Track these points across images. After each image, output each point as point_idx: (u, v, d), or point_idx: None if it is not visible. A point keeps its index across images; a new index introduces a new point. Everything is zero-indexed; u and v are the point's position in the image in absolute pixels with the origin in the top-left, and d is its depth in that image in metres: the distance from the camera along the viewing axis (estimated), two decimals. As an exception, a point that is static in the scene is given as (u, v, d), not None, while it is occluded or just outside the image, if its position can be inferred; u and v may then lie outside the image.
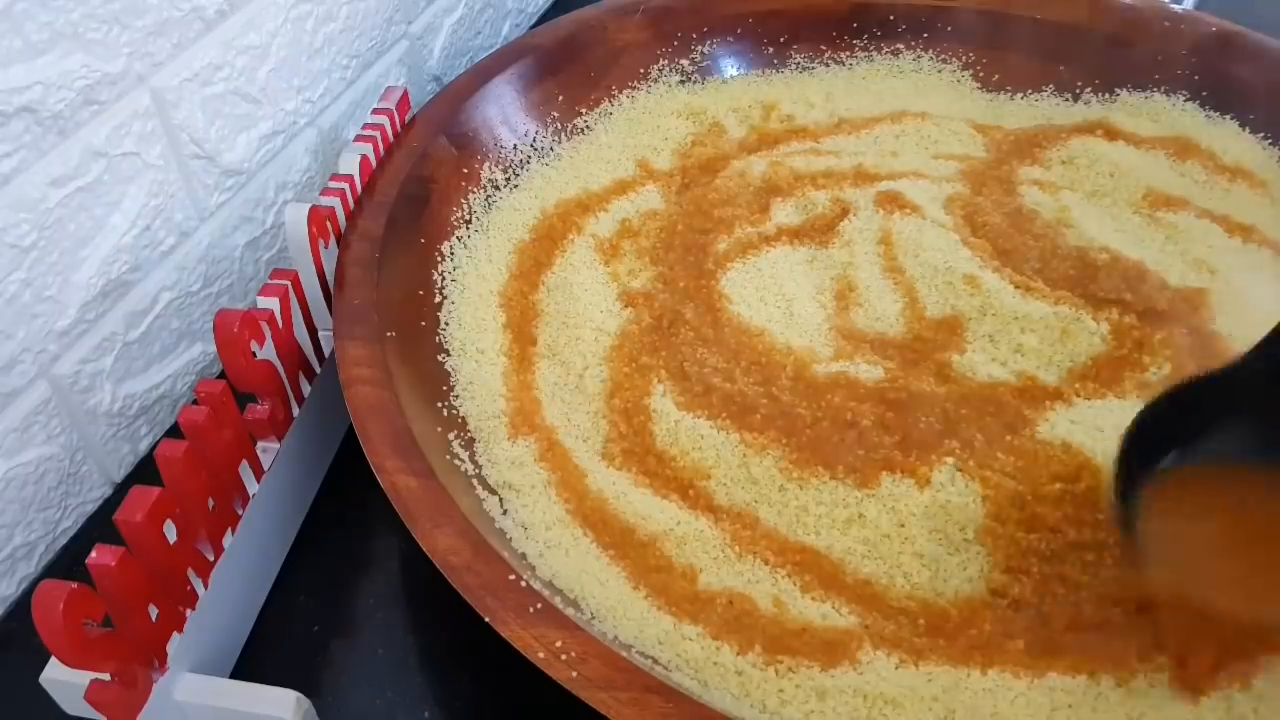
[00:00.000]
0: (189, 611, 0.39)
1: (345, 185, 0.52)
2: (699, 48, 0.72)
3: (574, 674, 0.33)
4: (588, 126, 0.66)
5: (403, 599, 0.45)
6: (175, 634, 0.38)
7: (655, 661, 0.38)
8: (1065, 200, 0.61)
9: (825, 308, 0.56)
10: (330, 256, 0.50)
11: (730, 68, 0.72)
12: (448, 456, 0.44)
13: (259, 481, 0.44)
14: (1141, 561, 0.39)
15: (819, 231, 0.60)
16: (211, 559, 0.40)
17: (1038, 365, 0.51)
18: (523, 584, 0.36)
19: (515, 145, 0.63)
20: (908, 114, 0.69)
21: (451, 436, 0.45)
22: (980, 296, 0.54)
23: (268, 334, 0.44)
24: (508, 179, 0.61)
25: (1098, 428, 0.47)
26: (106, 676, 0.34)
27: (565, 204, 0.61)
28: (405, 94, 0.58)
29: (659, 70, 0.70)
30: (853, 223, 0.60)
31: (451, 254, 0.55)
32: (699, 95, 0.71)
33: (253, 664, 0.43)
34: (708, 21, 0.72)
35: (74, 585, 0.32)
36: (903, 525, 0.44)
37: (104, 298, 0.48)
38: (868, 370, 0.51)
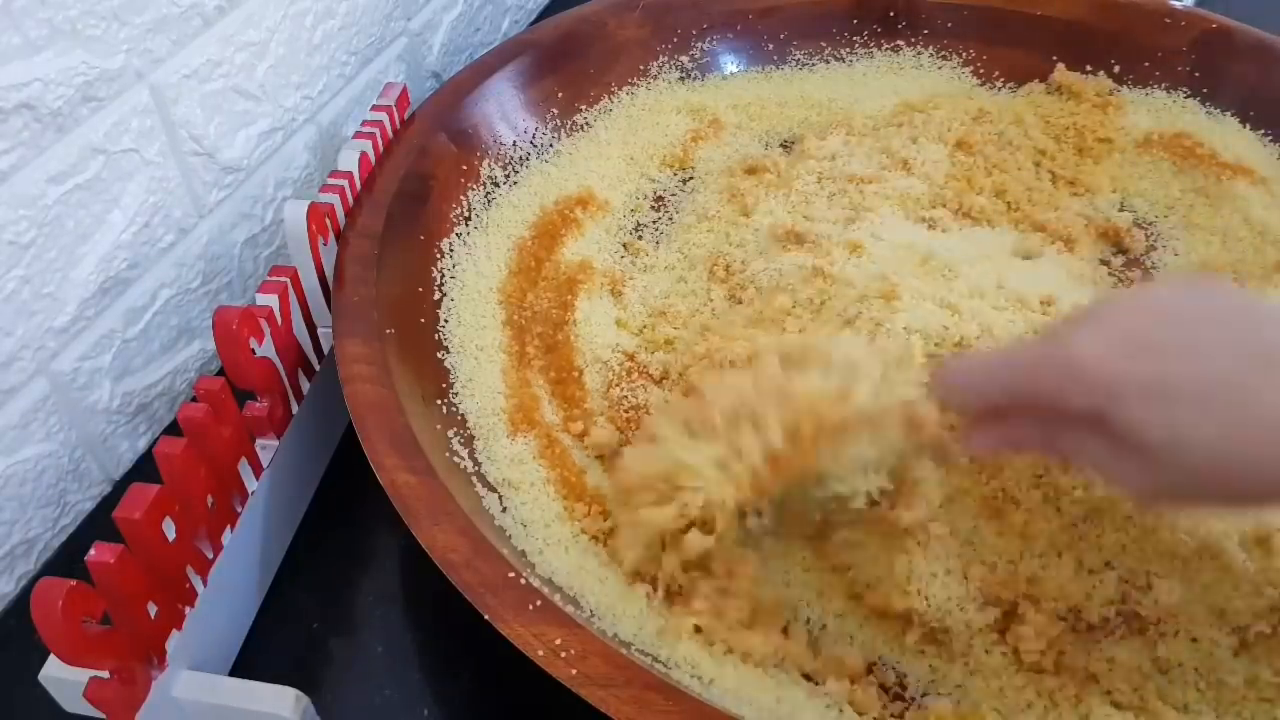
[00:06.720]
0: (188, 609, 0.39)
1: (344, 182, 0.52)
2: (699, 44, 0.72)
3: (574, 671, 0.33)
4: (587, 123, 0.66)
5: (402, 596, 0.45)
6: (174, 631, 0.38)
7: (655, 659, 0.38)
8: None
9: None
10: (329, 253, 0.50)
11: (730, 64, 0.72)
12: (447, 454, 0.44)
13: (258, 479, 0.44)
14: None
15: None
16: (210, 556, 0.40)
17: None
18: (522, 581, 0.36)
19: (515, 142, 0.62)
20: (908, 110, 0.69)
21: (451, 434, 0.45)
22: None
23: (267, 331, 0.44)
24: (507, 176, 0.61)
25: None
26: (105, 674, 0.34)
27: (565, 201, 0.61)
28: (404, 90, 0.58)
29: (659, 67, 0.70)
30: (852, 217, 0.59)
31: (451, 251, 0.55)
32: (699, 92, 0.70)
33: (252, 661, 0.43)
34: (708, 18, 0.72)
35: (73, 583, 0.32)
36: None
37: (103, 294, 0.48)
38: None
